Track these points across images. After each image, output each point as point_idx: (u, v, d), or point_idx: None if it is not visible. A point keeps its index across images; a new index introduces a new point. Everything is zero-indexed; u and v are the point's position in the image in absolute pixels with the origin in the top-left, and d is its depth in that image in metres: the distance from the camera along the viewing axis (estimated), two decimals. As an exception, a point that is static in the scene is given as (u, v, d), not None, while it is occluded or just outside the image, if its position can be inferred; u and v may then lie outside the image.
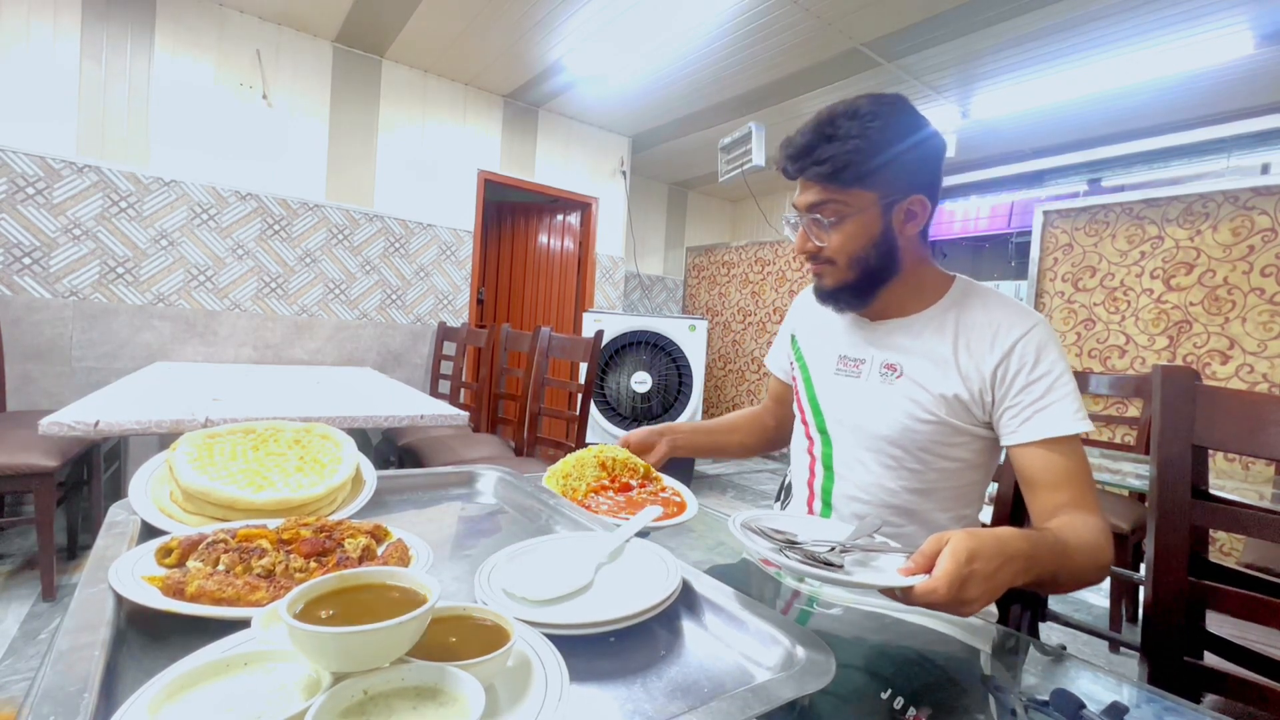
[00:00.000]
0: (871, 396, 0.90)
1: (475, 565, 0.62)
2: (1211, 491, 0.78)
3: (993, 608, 0.91)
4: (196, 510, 0.70)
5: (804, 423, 1.00)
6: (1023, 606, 0.99)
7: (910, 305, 0.90)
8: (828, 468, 0.95)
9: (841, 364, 0.95)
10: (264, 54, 3.16)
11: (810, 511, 0.98)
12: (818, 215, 0.84)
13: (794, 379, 1.05)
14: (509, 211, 4.78)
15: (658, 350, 3.97)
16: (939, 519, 0.89)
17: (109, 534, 0.64)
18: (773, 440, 1.18)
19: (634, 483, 0.96)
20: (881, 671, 0.60)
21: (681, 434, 1.08)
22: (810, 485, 0.98)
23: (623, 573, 0.64)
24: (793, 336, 1.07)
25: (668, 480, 0.98)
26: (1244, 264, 2.49)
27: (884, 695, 0.54)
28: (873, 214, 0.83)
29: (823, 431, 0.96)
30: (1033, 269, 3.15)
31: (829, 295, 0.90)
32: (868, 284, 0.87)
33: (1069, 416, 0.78)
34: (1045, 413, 0.79)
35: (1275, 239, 2.42)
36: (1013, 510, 1.05)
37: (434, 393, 3.51)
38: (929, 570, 0.57)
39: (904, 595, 0.58)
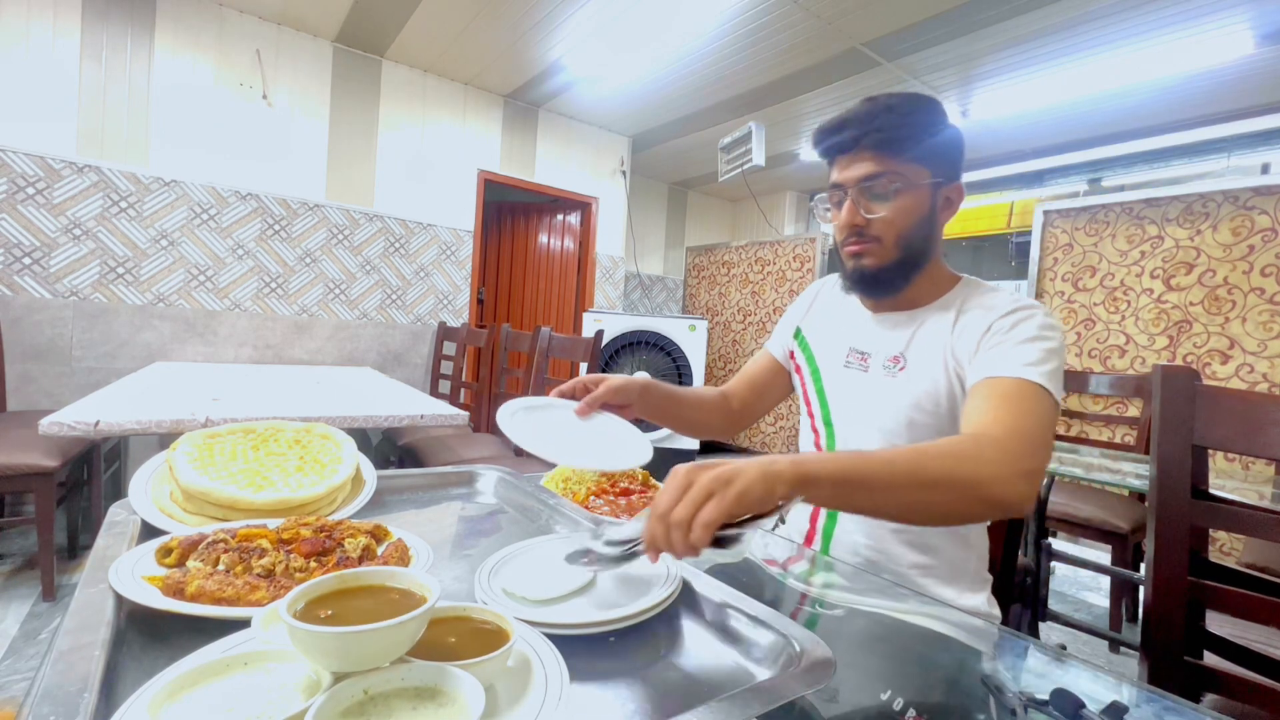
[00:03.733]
0: (877, 389, 0.90)
1: (475, 565, 0.62)
2: (1211, 491, 0.78)
3: (994, 608, 0.91)
4: (196, 510, 0.70)
5: (810, 415, 1.00)
6: (1023, 606, 0.99)
7: (921, 299, 0.91)
8: None
9: (851, 357, 0.95)
10: (264, 54, 3.16)
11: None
12: (871, 185, 0.83)
13: (798, 371, 1.04)
14: (509, 211, 4.78)
15: (658, 350, 3.97)
16: None
17: (109, 534, 0.64)
18: (733, 425, 1.11)
19: (633, 487, 0.97)
20: (881, 671, 0.60)
21: (654, 395, 0.96)
22: None
23: (623, 573, 0.64)
24: (798, 329, 1.06)
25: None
26: (1244, 264, 2.49)
27: (884, 695, 0.54)
28: (924, 191, 0.84)
29: (829, 424, 0.96)
30: (1033, 269, 3.15)
31: (867, 278, 0.88)
32: (908, 268, 0.87)
33: (1017, 361, 0.75)
34: (996, 355, 0.77)
35: (1275, 239, 2.42)
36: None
37: (434, 393, 3.51)
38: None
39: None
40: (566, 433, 0.84)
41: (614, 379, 0.91)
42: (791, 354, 1.07)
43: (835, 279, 1.06)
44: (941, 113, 0.84)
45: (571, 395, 0.91)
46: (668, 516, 0.51)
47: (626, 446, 0.84)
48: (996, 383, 0.75)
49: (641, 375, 0.96)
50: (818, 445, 0.98)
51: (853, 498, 0.60)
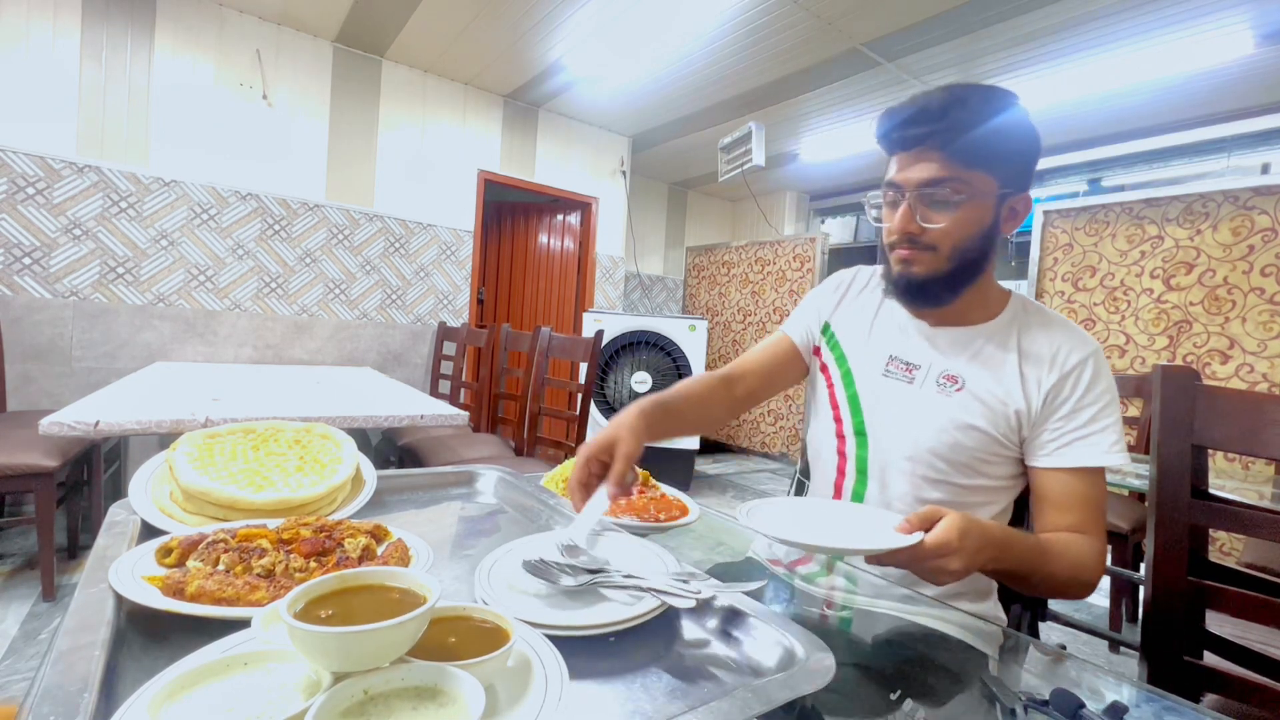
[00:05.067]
0: (925, 405, 0.85)
1: (475, 565, 0.61)
2: (1211, 491, 0.78)
3: (999, 611, 0.90)
4: (196, 510, 0.70)
5: (837, 420, 0.93)
6: (1023, 606, 0.99)
7: (973, 315, 0.86)
8: (861, 472, 0.90)
9: (892, 365, 0.89)
10: (264, 54, 3.16)
11: None
12: (934, 191, 0.75)
13: (824, 370, 0.98)
14: (509, 211, 4.78)
15: (658, 350, 3.97)
16: None
17: (109, 534, 0.64)
18: (734, 412, 1.01)
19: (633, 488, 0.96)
20: (881, 671, 0.60)
21: (653, 428, 0.81)
22: (839, 486, 0.93)
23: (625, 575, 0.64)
24: (827, 325, 0.99)
25: (666, 488, 0.98)
26: (1244, 264, 2.49)
27: (886, 696, 0.54)
28: (989, 203, 0.77)
29: (860, 434, 0.90)
30: (1033, 269, 3.15)
31: (914, 287, 0.81)
32: (959, 280, 0.80)
33: (1106, 448, 0.78)
34: (1085, 441, 0.78)
35: (1275, 239, 2.42)
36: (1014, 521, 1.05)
37: (434, 393, 3.50)
38: (925, 530, 0.64)
39: (892, 555, 0.63)
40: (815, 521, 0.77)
41: (620, 452, 0.74)
42: (817, 349, 0.99)
43: (866, 274, 1.00)
44: (1021, 112, 0.75)
45: (589, 477, 0.75)
46: (931, 555, 0.63)
47: (875, 524, 0.73)
48: (1086, 478, 0.79)
49: (631, 413, 0.81)
50: (842, 452, 0.92)
51: (1004, 572, 0.74)
